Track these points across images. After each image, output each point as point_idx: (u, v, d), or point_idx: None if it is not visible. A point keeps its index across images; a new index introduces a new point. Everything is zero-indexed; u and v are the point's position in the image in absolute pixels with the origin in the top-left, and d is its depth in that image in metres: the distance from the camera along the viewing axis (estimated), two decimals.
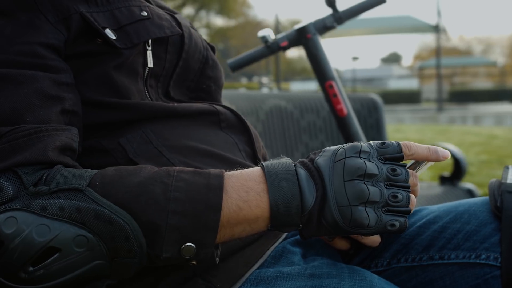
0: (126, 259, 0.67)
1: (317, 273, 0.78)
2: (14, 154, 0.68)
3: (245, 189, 0.71)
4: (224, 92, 2.62)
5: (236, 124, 0.96)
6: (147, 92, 0.89)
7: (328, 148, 0.75)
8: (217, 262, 0.74)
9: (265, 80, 19.96)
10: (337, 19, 1.72)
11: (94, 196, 0.66)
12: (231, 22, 37.42)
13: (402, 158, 0.74)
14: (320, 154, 0.74)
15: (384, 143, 0.74)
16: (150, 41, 0.88)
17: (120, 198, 0.67)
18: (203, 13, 39.79)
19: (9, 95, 0.71)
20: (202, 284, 0.77)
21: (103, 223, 0.66)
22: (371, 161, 0.71)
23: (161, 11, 0.93)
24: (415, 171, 0.80)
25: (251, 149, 0.95)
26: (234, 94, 2.58)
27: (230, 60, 1.77)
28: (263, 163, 0.74)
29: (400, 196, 0.71)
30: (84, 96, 0.81)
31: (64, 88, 0.77)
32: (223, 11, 37.81)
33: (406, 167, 0.78)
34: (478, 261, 0.84)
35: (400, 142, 0.75)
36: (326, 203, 0.70)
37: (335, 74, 1.73)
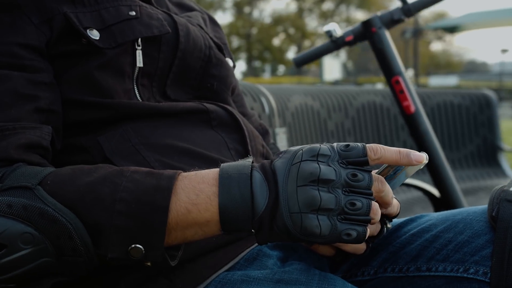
0: (72, 257, 0.68)
1: (285, 278, 0.75)
2: None
3: (195, 192, 0.69)
4: (313, 88, 2.57)
5: (229, 122, 0.95)
6: (138, 91, 0.89)
7: (290, 148, 0.71)
8: (173, 264, 0.73)
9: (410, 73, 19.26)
10: (406, 12, 1.63)
11: (41, 195, 0.67)
12: None
13: (366, 163, 0.68)
14: (280, 155, 0.71)
15: (348, 145, 0.68)
16: (140, 40, 0.88)
17: (67, 198, 0.68)
18: (343, 8, 39.44)
19: None
20: (165, 283, 0.77)
21: (47, 221, 0.66)
22: (329, 166, 0.66)
23: (154, 11, 0.93)
24: (387, 176, 0.73)
25: (243, 147, 0.93)
26: (322, 90, 2.51)
27: (294, 56, 1.75)
28: (222, 164, 0.72)
29: (359, 204, 0.66)
30: (66, 95, 0.83)
31: (41, 87, 0.80)
32: (364, 5, 37.18)
33: (377, 172, 0.73)
34: (465, 275, 0.77)
35: (367, 145, 0.69)
36: (278, 209, 0.67)
37: (402, 69, 1.64)
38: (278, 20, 37.72)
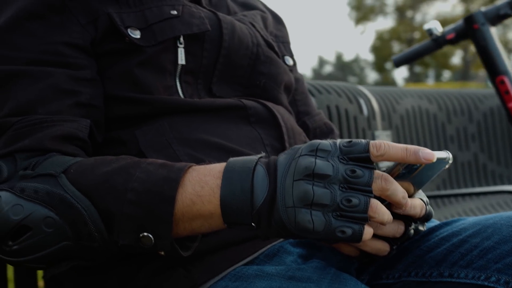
0: (88, 242, 0.73)
1: (297, 275, 0.75)
2: (17, 141, 0.78)
3: (201, 184, 0.72)
4: (430, 91, 2.44)
5: (267, 119, 0.95)
6: (181, 88, 0.93)
7: (297, 145, 0.71)
8: (185, 254, 0.75)
9: None
10: None
11: (62, 182, 0.73)
12: None
13: (367, 159, 0.66)
14: (287, 151, 0.71)
15: (351, 141, 0.67)
16: (182, 38, 0.92)
17: (84, 185, 0.73)
18: None
19: (27, 89, 0.83)
20: (182, 273, 0.80)
21: (66, 207, 0.72)
22: (328, 161, 0.65)
23: (198, 10, 0.96)
24: (399, 175, 0.70)
25: (280, 144, 0.94)
26: (441, 92, 2.38)
27: (394, 56, 1.70)
28: (231, 158, 0.74)
29: (355, 201, 0.64)
30: (108, 91, 0.89)
31: (83, 83, 0.86)
32: None
33: (387, 169, 0.70)
34: (486, 283, 0.71)
35: (370, 141, 0.67)
36: (275, 203, 0.67)
37: (508, 68, 1.52)
38: (443, 23, 36.02)
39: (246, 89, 1.01)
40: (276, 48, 1.07)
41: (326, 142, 0.67)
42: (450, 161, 0.72)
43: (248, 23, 1.04)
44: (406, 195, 0.69)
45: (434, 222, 0.89)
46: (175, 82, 0.92)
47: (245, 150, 0.89)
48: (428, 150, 0.67)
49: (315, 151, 0.66)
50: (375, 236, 0.72)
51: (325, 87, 1.70)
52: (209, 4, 1.07)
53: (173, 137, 0.87)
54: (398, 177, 0.71)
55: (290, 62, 1.13)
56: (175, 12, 0.93)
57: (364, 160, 0.66)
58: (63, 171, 0.75)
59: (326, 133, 1.18)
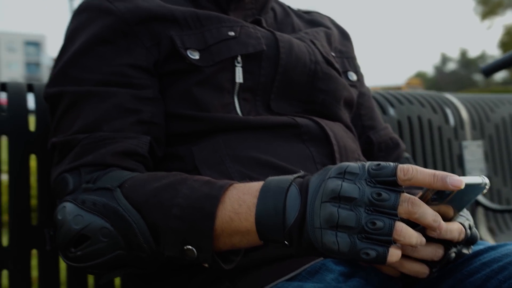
0: (138, 252, 0.78)
1: None
2: (82, 157, 0.86)
3: (239, 202, 0.75)
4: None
5: (319, 137, 0.97)
6: (239, 105, 0.97)
7: (331, 165, 0.73)
8: (227, 268, 0.79)
9: None
10: None
11: (117, 196, 0.80)
12: None
13: (394, 182, 0.66)
14: (320, 171, 0.73)
15: (379, 164, 0.67)
16: (239, 58, 0.96)
17: (135, 200, 0.79)
18: None
19: (94, 108, 0.90)
20: (227, 286, 0.84)
21: (119, 219, 0.78)
22: (355, 184, 0.66)
23: (255, 30, 1.00)
24: (430, 199, 0.69)
25: (331, 162, 0.95)
26: None
27: (483, 65, 1.63)
28: (269, 178, 0.76)
29: (380, 224, 0.64)
30: (169, 109, 0.94)
31: (145, 102, 0.91)
32: None
33: (418, 195, 0.70)
34: None
35: (399, 165, 0.67)
36: (305, 223, 0.69)
37: None
38: None
39: (305, 105, 1.03)
40: (337, 64, 1.08)
41: (354, 165, 0.68)
42: (487, 186, 0.70)
43: (308, 41, 1.07)
44: (439, 218, 0.68)
45: (484, 244, 0.87)
46: (233, 99, 0.96)
47: (295, 168, 0.91)
48: (456, 177, 0.66)
49: (343, 174, 0.68)
50: (413, 258, 0.73)
51: (407, 97, 1.66)
52: (275, 22, 1.11)
53: (226, 154, 0.91)
54: (432, 201, 0.70)
55: (354, 78, 1.14)
56: (232, 33, 0.97)
57: (391, 183, 0.66)
58: (119, 185, 0.82)
59: (392, 147, 1.18)
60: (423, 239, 0.68)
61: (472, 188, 0.70)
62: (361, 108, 1.18)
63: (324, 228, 0.66)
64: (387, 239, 0.65)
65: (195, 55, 0.94)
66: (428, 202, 0.70)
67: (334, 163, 0.95)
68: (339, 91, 1.06)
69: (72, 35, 0.96)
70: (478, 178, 0.70)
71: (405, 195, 0.67)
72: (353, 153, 0.99)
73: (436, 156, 1.64)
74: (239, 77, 0.96)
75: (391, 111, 1.57)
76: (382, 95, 1.63)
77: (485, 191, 0.72)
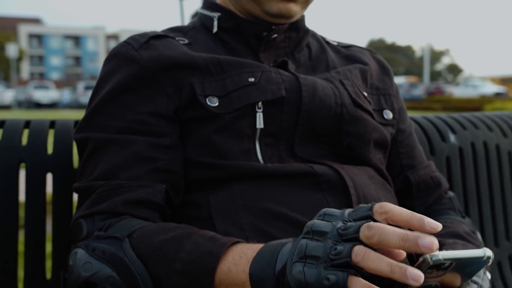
0: None
1: None
2: (98, 204, 0.89)
3: (240, 255, 0.77)
4: None
5: (338, 186, 0.94)
6: (260, 150, 0.96)
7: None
8: None
9: None
10: None
11: (125, 246, 0.83)
12: None
13: (369, 217, 0.68)
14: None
15: (358, 207, 0.71)
16: (260, 103, 0.96)
17: (141, 251, 0.82)
18: None
19: (114, 156, 0.93)
20: None
21: (125, 269, 0.81)
22: (329, 221, 0.69)
23: (277, 75, 0.98)
24: (425, 269, 0.65)
25: None
26: None
27: None
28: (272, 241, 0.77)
29: (340, 248, 0.65)
30: (188, 156, 0.96)
31: (162, 150, 0.94)
32: None
33: (415, 265, 0.67)
34: None
35: (376, 203, 0.69)
36: (287, 265, 0.70)
37: None
38: None
39: (332, 148, 1.02)
40: (368, 105, 1.05)
41: (336, 211, 0.71)
42: (491, 260, 0.65)
43: (337, 81, 1.05)
44: (410, 237, 0.63)
45: None
46: (254, 145, 0.96)
47: (309, 220, 0.89)
48: (434, 221, 0.64)
49: (322, 215, 0.71)
50: None
51: (471, 120, 1.55)
52: (309, 60, 1.10)
53: (241, 203, 0.92)
54: (428, 270, 0.66)
55: (389, 116, 1.10)
56: (252, 79, 0.97)
57: (365, 218, 0.68)
58: (128, 235, 0.85)
59: (432, 187, 1.13)
60: (387, 265, 0.63)
61: (472, 261, 0.66)
62: (399, 146, 1.14)
63: (295, 261, 0.68)
64: (346, 261, 0.64)
65: (214, 102, 0.95)
66: (425, 271, 0.66)
67: None
68: (367, 133, 1.03)
69: (102, 82, 1.00)
70: (479, 251, 0.65)
71: (369, 223, 0.66)
72: (375, 202, 0.95)
73: (506, 188, 1.51)
74: (259, 123, 0.96)
75: (452, 137, 1.48)
76: (442, 119, 1.54)
77: (488, 264, 0.67)
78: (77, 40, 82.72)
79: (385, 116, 1.09)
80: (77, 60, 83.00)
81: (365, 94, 1.07)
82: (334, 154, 1.02)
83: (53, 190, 1.13)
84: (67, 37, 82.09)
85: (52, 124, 1.20)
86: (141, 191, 0.91)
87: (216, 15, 1.07)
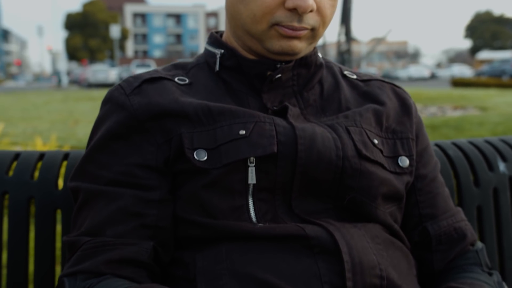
0: None
1: None
2: (81, 262, 0.86)
3: None
4: None
5: (331, 250, 0.85)
6: (253, 206, 0.89)
7: None
8: None
9: None
10: None
11: None
12: None
13: None
14: None
15: None
16: (252, 157, 0.88)
17: None
18: None
19: (102, 210, 0.90)
20: None
21: None
22: None
23: (270, 127, 0.91)
24: None
25: (341, 281, 0.83)
26: None
27: None
28: None
29: None
30: (177, 211, 0.91)
31: (151, 205, 0.89)
32: None
33: None
34: None
35: None
36: None
37: None
38: None
39: (336, 202, 0.93)
40: (378, 154, 0.96)
41: None
42: None
43: (343, 128, 0.96)
44: None
45: None
46: (247, 201, 0.90)
47: None
48: None
49: None
50: None
51: None
52: (320, 99, 1.01)
53: (226, 267, 0.86)
54: None
55: (405, 163, 0.99)
56: (243, 132, 0.90)
57: None
58: None
59: (455, 239, 1.01)
60: None
61: None
62: (418, 193, 1.03)
63: None
64: None
65: (203, 156, 0.90)
66: None
67: (344, 282, 0.83)
68: (373, 188, 0.93)
69: (95, 128, 0.97)
70: None
71: None
72: (372, 269, 0.85)
73: None
74: (252, 178, 0.89)
75: (502, 166, 1.33)
76: (491, 143, 1.38)
77: None
78: (178, 18, 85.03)
79: (400, 164, 0.99)
80: (178, 37, 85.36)
81: (376, 141, 0.97)
82: (337, 209, 0.93)
83: (62, 228, 1.12)
84: (169, 15, 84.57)
85: (66, 156, 1.19)
86: (126, 249, 0.88)
87: (219, 52, 1.01)
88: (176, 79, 1.00)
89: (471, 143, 1.38)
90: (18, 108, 14.45)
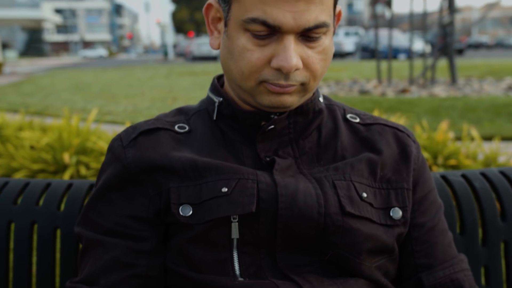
0: None
1: None
2: None
3: None
4: None
5: None
6: (238, 260, 0.91)
7: None
8: None
9: None
10: None
11: None
12: None
13: None
14: None
15: None
16: None
17: None
18: None
19: (98, 259, 0.95)
20: None
21: None
22: None
23: (251, 185, 0.92)
24: None
25: None
26: None
27: None
28: None
29: None
30: (166, 262, 0.94)
31: (142, 256, 0.93)
32: None
33: None
34: None
35: None
36: None
37: None
38: None
39: (321, 255, 0.94)
40: (363, 210, 0.95)
41: None
42: None
43: (330, 182, 0.95)
44: None
45: None
46: (231, 254, 0.92)
47: None
48: None
49: None
50: None
51: None
52: (317, 146, 1.01)
53: None
54: None
55: (398, 215, 0.97)
56: (225, 190, 0.93)
57: None
58: None
59: None
60: None
61: None
62: (415, 243, 1.00)
63: None
64: None
65: (187, 212, 0.93)
66: None
67: None
68: (357, 244, 0.93)
69: (99, 173, 1.02)
70: None
71: None
72: None
73: None
74: (235, 233, 0.92)
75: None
76: None
77: None
78: None
79: (392, 215, 0.97)
80: None
81: (365, 195, 0.96)
82: (322, 262, 0.93)
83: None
84: None
85: (91, 187, 1.27)
86: None
87: (217, 100, 1.03)
88: (176, 127, 1.03)
89: (502, 172, 1.32)
90: (124, 84, 15.20)
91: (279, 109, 0.95)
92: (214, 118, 1.03)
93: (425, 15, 12.48)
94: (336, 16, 0.99)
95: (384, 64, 13.93)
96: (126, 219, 0.96)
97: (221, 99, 1.02)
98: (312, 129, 1.02)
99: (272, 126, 0.97)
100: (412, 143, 1.05)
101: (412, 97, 10.13)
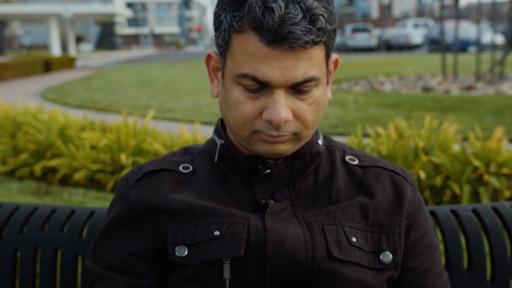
0: None
1: None
2: None
3: None
4: None
5: None
6: None
7: None
8: None
9: None
10: None
11: None
12: None
13: None
14: None
15: None
16: None
17: None
18: None
19: None
20: None
21: None
22: None
23: (242, 230, 0.96)
24: None
25: None
26: None
27: None
28: None
29: None
30: None
31: None
32: None
33: None
34: None
35: None
36: None
37: None
38: None
39: None
40: (351, 255, 0.98)
41: None
42: None
43: (319, 227, 0.99)
44: None
45: None
46: None
47: None
48: None
49: None
50: None
51: None
52: (313, 188, 1.05)
53: None
54: None
55: (388, 259, 1.00)
56: (217, 233, 0.98)
57: None
58: None
59: None
60: None
61: None
62: (407, 286, 1.03)
63: None
64: None
65: (183, 252, 0.99)
66: None
67: None
68: None
69: (108, 211, 1.10)
70: None
71: None
72: None
73: None
74: (227, 274, 0.97)
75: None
76: None
77: None
78: None
79: (382, 259, 1.00)
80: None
81: (354, 239, 0.99)
82: None
83: None
84: None
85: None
86: None
87: (219, 143, 1.08)
88: (180, 167, 1.09)
89: None
90: (188, 79, 15.48)
91: (274, 155, 0.99)
92: (216, 160, 1.08)
93: (494, 4, 12.01)
94: (333, 64, 1.02)
95: (451, 58, 13.49)
96: (128, 256, 1.03)
97: (223, 141, 1.07)
98: (309, 171, 1.05)
99: (269, 171, 1.02)
100: (408, 186, 1.07)
101: (477, 94, 9.82)
